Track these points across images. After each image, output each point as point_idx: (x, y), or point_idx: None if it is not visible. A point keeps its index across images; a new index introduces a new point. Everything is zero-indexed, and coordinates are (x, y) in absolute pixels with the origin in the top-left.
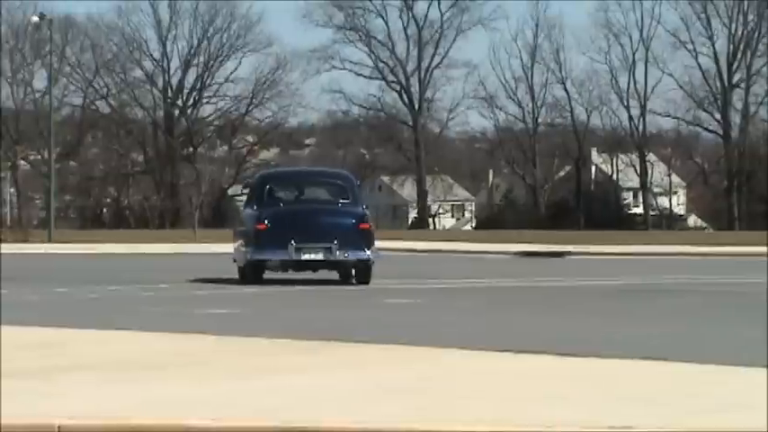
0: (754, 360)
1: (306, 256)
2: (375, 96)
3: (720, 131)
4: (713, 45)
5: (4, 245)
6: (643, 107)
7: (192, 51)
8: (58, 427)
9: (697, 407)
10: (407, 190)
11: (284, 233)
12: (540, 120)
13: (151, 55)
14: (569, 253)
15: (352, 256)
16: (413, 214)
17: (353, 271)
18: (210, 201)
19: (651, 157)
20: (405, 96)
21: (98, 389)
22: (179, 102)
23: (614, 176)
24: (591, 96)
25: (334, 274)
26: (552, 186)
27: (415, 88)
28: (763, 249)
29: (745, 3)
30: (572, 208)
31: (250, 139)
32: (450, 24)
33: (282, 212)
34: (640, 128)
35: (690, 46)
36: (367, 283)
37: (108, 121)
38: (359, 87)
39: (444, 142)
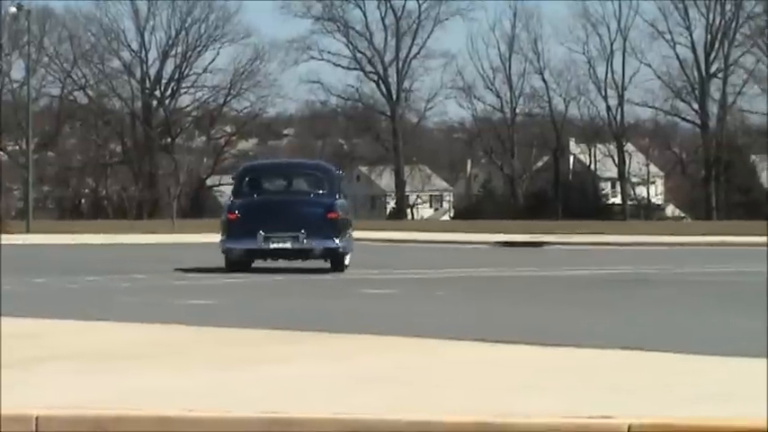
0: (734, 350)
1: (274, 245)
2: (353, 87)
3: (698, 121)
4: (691, 35)
5: None
6: (621, 97)
7: (170, 42)
8: (36, 417)
9: (676, 396)
10: (385, 180)
11: (253, 223)
12: (518, 110)
13: (129, 46)
14: (547, 243)
15: (319, 244)
16: (391, 204)
17: (329, 260)
18: (188, 191)
19: (629, 147)
20: (383, 87)
21: (76, 379)
22: (157, 92)
23: (592, 166)
24: (569, 86)
25: (321, 262)
26: (530, 176)
27: (392, 78)
28: (740, 239)
29: None
30: (550, 198)
31: (228, 129)
32: (427, 15)
33: (253, 203)
34: (618, 118)
35: (667, 36)
36: (341, 270)
37: (86, 111)
38: (337, 78)
39: (422, 132)
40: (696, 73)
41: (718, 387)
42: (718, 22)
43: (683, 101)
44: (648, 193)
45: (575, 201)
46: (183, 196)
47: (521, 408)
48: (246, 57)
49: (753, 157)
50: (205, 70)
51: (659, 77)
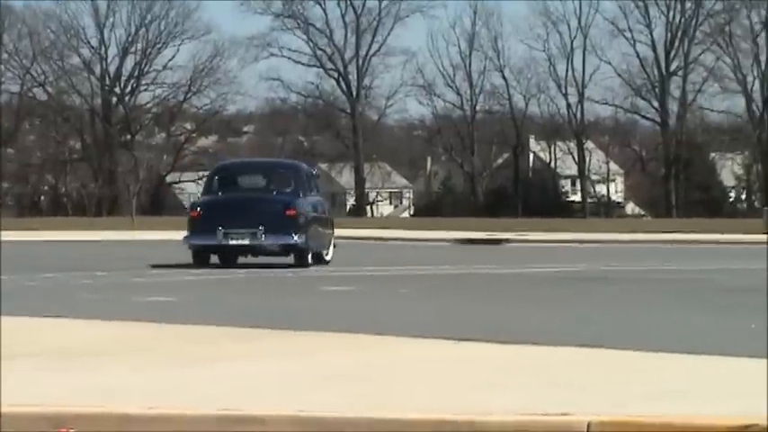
0: (692, 347)
1: (233, 242)
2: (313, 84)
3: (658, 119)
4: (651, 33)
5: None
6: (581, 95)
7: (130, 39)
8: None
9: (634, 394)
10: (345, 177)
11: (214, 220)
12: (478, 107)
13: (89, 42)
14: (507, 240)
15: (277, 240)
16: (351, 202)
17: (293, 255)
18: (148, 188)
19: (589, 144)
20: (343, 84)
21: (36, 377)
22: (117, 89)
23: (552, 164)
24: (529, 84)
25: (290, 258)
26: (490, 174)
27: (353, 76)
28: (700, 237)
29: None
30: (510, 195)
31: (188, 126)
32: (388, 12)
33: (215, 200)
34: (578, 115)
35: (628, 34)
36: (306, 266)
37: (45, 108)
38: (297, 75)
39: (382, 130)
40: (656, 71)
41: (677, 384)
42: (678, 20)
43: (643, 99)
44: (608, 191)
45: (535, 198)
46: (143, 193)
47: (481, 405)
48: (206, 54)
49: (712, 154)
50: (165, 67)
51: (619, 75)
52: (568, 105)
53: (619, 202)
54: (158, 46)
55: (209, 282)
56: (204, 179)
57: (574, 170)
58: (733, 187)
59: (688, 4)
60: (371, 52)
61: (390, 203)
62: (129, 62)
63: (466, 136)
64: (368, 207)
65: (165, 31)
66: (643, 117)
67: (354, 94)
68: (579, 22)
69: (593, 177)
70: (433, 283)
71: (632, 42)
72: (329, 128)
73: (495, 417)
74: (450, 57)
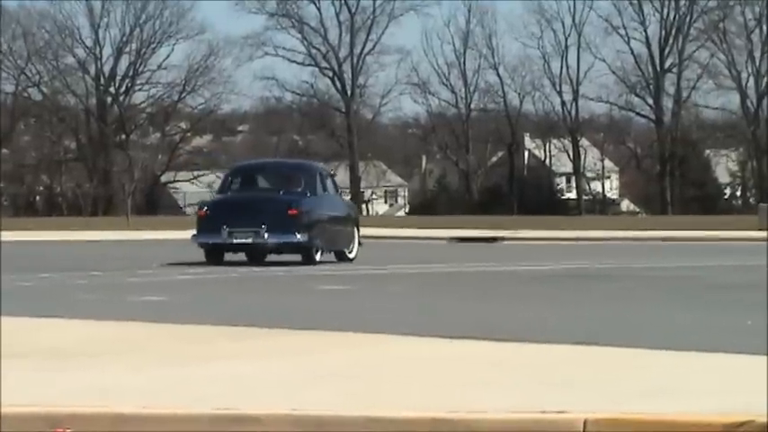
0: (688, 344)
1: (237, 240)
2: (308, 83)
3: (653, 116)
4: (645, 30)
5: None
6: (575, 92)
7: (125, 38)
8: None
9: (630, 391)
10: (340, 176)
11: (219, 219)
12: (472, 105)
13: (83, 42)
14: (502, 238)
15: (279, 239)
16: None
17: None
18: (143, 187)
19: (584, 141)
20: (337, 83)
21: (32, 377)
22: (111, 89)
23: (547, 161)
24: (523, 82)
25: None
26: (485, 172)
27: (347, 74)
28: (695, 234)
29: None
30: (505, 193)
31: (183, 125)
32: (382, 10)
33: (222, 200)
34: (573, 113)
35: (622, 31)
36: (313, 264)
37: (40, 108)
38: (291, 74)
39: (377, 128)
40: (650, 68)
41: (673, 381)
42: (672, 16)
43: (637, 96)
44: (603, 188)
45: (530, 196)
46: (138, 193)
47: (475, 403)
48: (201, 53)
49: (707, 151)
50: (159, 67)
51: (614, 72)
52: (563, 103)
53: (614, 200)
54: (153, 46)
55: (206, 281)
56: (214, 179)
57: (569, 168)
58: (728, 184)
59: (682, 2)
60: (366, 51)
61: (385, 202)
62: (124, 62)
63: (461, 134)
64: (363, 206)
65: (159, 31)
66: (638, 114)
67: (349, 92)
68: (573, 20)
69: (588, 175)
70: (427, 282)
71: (626, 39)
72: (324, 127)
73: (490, 415)
74: (445, 55)
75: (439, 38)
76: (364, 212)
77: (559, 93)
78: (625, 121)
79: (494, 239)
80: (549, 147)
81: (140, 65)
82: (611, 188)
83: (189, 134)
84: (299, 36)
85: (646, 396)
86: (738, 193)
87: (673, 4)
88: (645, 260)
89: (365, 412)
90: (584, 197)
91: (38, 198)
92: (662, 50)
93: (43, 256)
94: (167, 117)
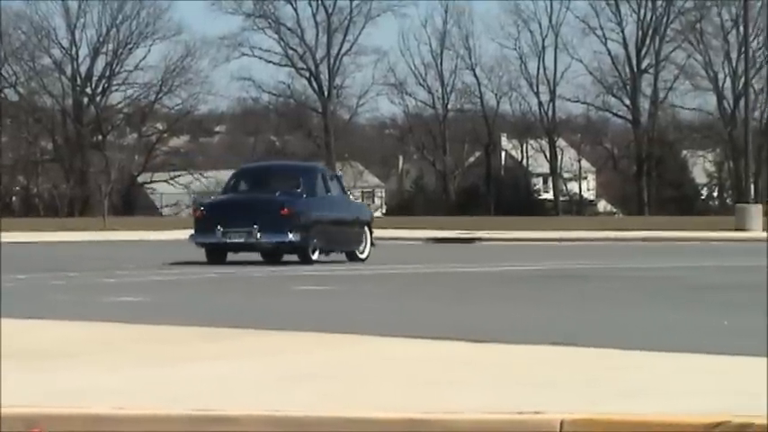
0: (665, 344)
1: (230, 240)
2: (284, 83)
3: (629, 117)
4: (622, 31)
5: None
6: (552, 93)
7: (101, 39)
8: None
9: (607, 391)
10: None
11: (215, 219)
12: (449, 106)
13: (60, 43)
14: (479, 239)
15: (271, 238)
16: None
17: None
18: (120, 188)
19: (561, 142)
20: (314, 83)
21: (7, 378)
22: (88, 89)
23: (524, 162)
24: (500, 82)
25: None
26: (462, 172)
27: (324, 75)
28: (672, 234)
29: None
30: (482, 194)
31: (159, 126)
32: (359, 11)
33: (219, 201)
34: (550, 113)
35: (599, 32)
36: (310, 263)
37: (17, 108)
38: (268, 74)
39: (354, 129)
40: (627, 69)
41: (650, 382)
42: (649, 17)
43: (614, 96)
44: (580, 189)
45: (506, 196)
46: (115, 193)
47: (452, 404)
48: (177, 54)
49: (684, 152)
50: (136, 67)
51: (591, 73)
52: (540, 103)
53: (591, 200)
54: (129, 46)
55: (182, 282)
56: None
57: (546, 168)
58: (705, 185)
59: (659, 2)
60: (343, 51)
61: (363, 202)
62: (101, 62)
63: (438, 134)
64: None
65: (136, 32)
66: (614, 115)
67: (326, 93)
68: (550, 21)
69: (565, 175)
70: (404, 282)
71: (603, 40)
72: (301, 127)
73: (467, 415)
74: (422, 55)
75: (416, 38)
76: None
77: (536, 93)
78: (602, 122)
79: (471, 240)
80: (526, 147)
81: (117, 65)
82: (588, 189)
83: (166, 135)
84: (276, 37)
85: (623, 396)
86: (715, 194)
87: (650, 4)
88: (622, 261)
89: (343, 413)
90: (561, 198)
91: (14, 199)
92: (639, 51)
93: (20, 257)
94: (144, 118)
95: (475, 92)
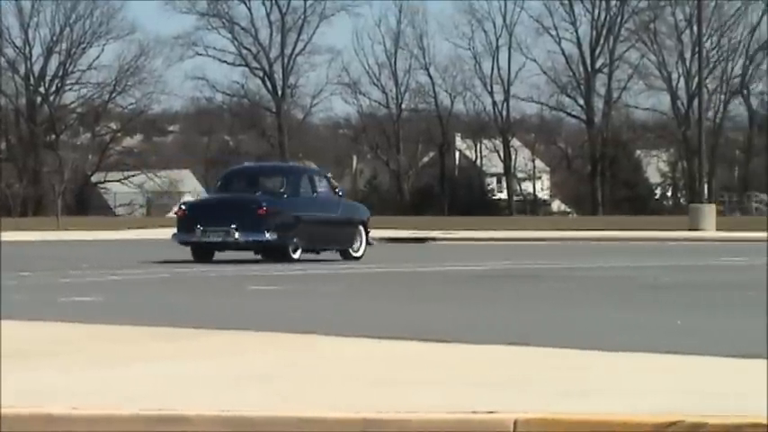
0: (618, 344)
1: (210, 239)
2: (238, 83)
3: (584, 116)
4: (576, 31)
5: None
6: (506, 92)
7: (55, 39)
8: None
9: (561, 391)
10: None
11: (195, 219)
12: (403, 105)
13: (13, 42)
14: (433, 239)
15: (247, 237)
16: None
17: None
18: (73, 188)
19: (515, 142)
20: (268, 83)
21: None
22: (41, 89)
23: (478, 162)
24: (455, 82)
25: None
26: (416, 172)
27: (278, 75)
28: (626, 234)
29: None
30: (436, 194)
31: (113, 125)
32: (313, 10)
33: (200, 201)
34: (504, 113)
35: (553, 32)
36: (290, 261)
37: None
38: (222, 74)
39: (308, 128)
40: (581, 68)
41: (604, 381)
42: (603, 17)
43: (568, 96)
44: (534, 189)
45: (461, 196)
46: (68, 193)
47: (406, 403)
48: (131, 53)
49: (638, 152)
50: (90, 67)
51: (545, 73)
52: (494, 103)
53: (545, 200)
54: (83, 45)
55: (135, 282)
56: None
57: (500, 168)
58: (658, 184)
59: (613, 2)
60: (297, 51)
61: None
62: (54, 62)
63: (391, 134)
64: None
65: (89, 31)
66: (568, 114)
67: (280, 92)
68: (504, 20)
69: (519, 175)
70: (358, 282)
71: (557, 40)
72: (254, 127)
73: (421, 415)
74: (376, 55)
75: (370, 38)
76: None
77: (490, 93)
78: (556, 122)
79: (424, 240)
80: (480, 147)
81: (70, 65)
82: (542, 188)
83: (119, 134)
84: (230, 36)
85: (577, 396)
86: (669, 194)
87: (604, 4)
88: (576, 260)
89: (295, 413)
90: (515, 197)
91: None
92: (593, 51)
93: None
94: (98, 117)
95: (429, 91)
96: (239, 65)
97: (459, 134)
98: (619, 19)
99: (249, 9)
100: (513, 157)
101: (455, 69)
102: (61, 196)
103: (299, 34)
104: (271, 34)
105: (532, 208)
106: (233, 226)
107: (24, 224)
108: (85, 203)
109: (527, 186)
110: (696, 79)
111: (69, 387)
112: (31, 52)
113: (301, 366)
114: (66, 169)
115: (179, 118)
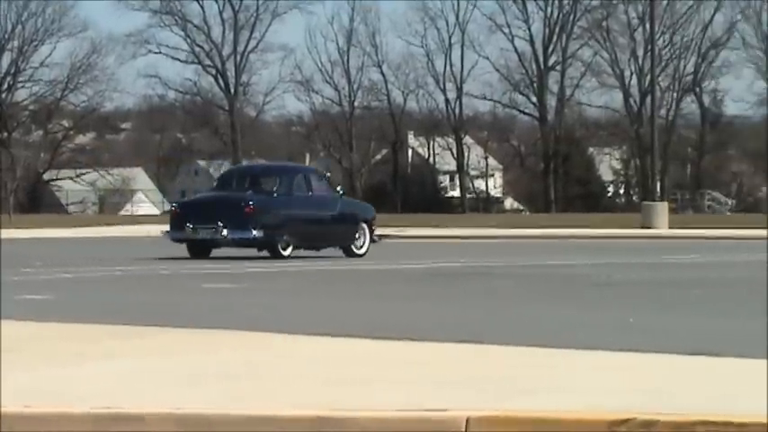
0: (571, 342)
1: (199, 237)
2: (191, 80)
3: (536, 114)
4: (529, 28)
5: None
6: (459, 90)
7: (6, 36)
8: None
9: (514, 389)
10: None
11: (186, 216)
12: (356, 103)
13: None
14: (385, 236)
15: (234, 234)
16: None
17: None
18: (26, 185)
19: (467, 139)
20: (221, 80)
21: None
22: None
23: (431, 159)
24: (407, 79)
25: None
26: (369, 170)
27: (231, 72)
28: (579, 231)
29: None
30: (389, 191)
31: (65, 123)
32: (265, 8)
33: (192, 200)
34: (457, 111)
35: (506, 29)
36: (281, 258)
37: None
38: (175, 71)
39: (260, 126)
40: (534, 66)
41: (557, 379)
42: (556, 15)
43: (521, 94)
44: (487, 186)
45: (413, 194)
46: (20, 191)
47: (359, 401)
48: (83, 51)
49: (590, 149)
50: (42, 64)
51: (498, 70)
52: (447, 101)
53: (498, 198)
54: (35, 43)
55: (90, 279)
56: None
57: (453, 165)
58: (611, 182)
59: (566, 0)
60: (249, 49)
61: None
62: (6, 59)
63: (344, 132)
64: None
65: (41, 29)
66: (521, 112)
67: (232, 90)
68: (457, 18)
69: (472, 173)
70: (312, 280)
71: (510, 38)
72: (207, 125)
73: (374, 412)
74: (329, 53)
75: (323, 36)
76: None
77: (443, 91)
78: (509, 119)
79: (377, 237)
80: (433, 145)
81: (22, 62)
82: (495, 186)
83: (71, 132)
84: (183, 34)
85: (529, 394)
86: (622, 192)
87: (556, 2)
88: (528, 258)
89: (249, 411)
90: (468, 195)
91: None
92: (545, 48)
93: None
94: (50, 115)
95: (382, 89)
96: (192, 62)
97: (412, 132)
98: (571, 17)
99: (202, 7)
100: (466, 154)
101: (408, 67)
102: (13, 194)
103: (251, 32)
104: (223, 32)
105: (485, 205)
106: (220, 224)
107: None
108: (38, 201)
109: (480, 184)
110: (649, 77)
111: (21, 385)
112: None
113: (257, 365)
114: (19, 167)
115: (131, 116)
